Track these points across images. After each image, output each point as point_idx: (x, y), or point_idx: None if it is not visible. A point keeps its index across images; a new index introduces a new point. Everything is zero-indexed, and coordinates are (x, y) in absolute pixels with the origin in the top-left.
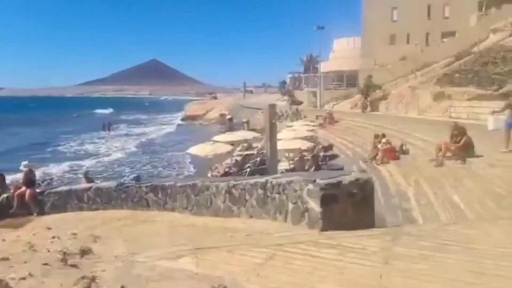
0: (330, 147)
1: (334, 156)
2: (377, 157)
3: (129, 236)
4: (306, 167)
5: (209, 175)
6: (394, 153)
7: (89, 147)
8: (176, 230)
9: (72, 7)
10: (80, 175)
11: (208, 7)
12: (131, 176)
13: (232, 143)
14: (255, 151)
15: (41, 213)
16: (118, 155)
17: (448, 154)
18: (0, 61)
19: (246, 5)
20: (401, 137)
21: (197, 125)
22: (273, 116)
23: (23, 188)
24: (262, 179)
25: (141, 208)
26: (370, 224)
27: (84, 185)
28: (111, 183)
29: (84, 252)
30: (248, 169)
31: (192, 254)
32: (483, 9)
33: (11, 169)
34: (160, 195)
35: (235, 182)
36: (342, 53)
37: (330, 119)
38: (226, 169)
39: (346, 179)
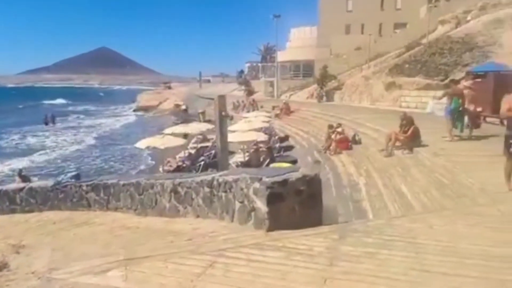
0: (286, 138)
1: (290, 147)
2: (331, 147)
3: (60, 243)
4: (261, 159)
5: (160, 169)
6: (347, 143)
7: (33, 141)
8: (114, 234)
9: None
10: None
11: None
12: (70, 174)
13: (185, 135)
14: (210, 143)
15: None
16: (66, 149)
17: (398, 144)
18: None
19: None
20: (354, 127)
21: (150, 117)
22: (223, 107)
23: None
24: (209, 177)
25: (82, 208)
26: (317, 221)
27: (15, 185)
28: (47, 182)
29: None
30: (202, 163)
31: (121, 267)
32: (433, 1)
33: None
34: (102, 194)
35: (180, 180)
36: (298, 42)
37: (286, 110)
38: (179, 163)
39: (293, 176)
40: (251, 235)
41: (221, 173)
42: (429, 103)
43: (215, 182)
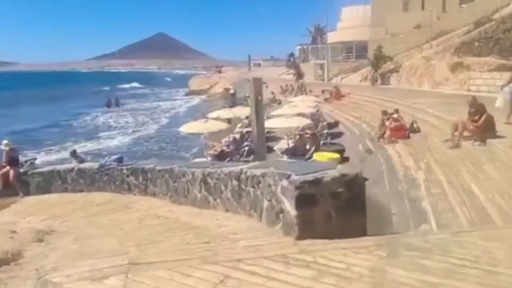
0: (335, 124)
1: (339, 134)
2: (385, 135)
3: (89, 231)
4: (307, 146)
5: (205, 153)
6: (403, 132)
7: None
8: (141, 224)
9: None
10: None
11: None
12: (113, 157)
13: (229, 120)
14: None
15: (27, 193)
16: (125, 131)
17: (466, 134)
18: (14, 36)
19: None
20: (412, 113)
21: (202, 100)
22: (259, 91)
23: (7, 168)
24: (237, 169)
25: (123, 192)
26: (360, 232)
27: (67, 165)
28: (94, 164)
29: (8, 259)
30: (247, 148)
31: (123, 273)
32: None
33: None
34: (140, 179)
35: (210, 170)
36: (350, 22)
37: (337, 94)
38: (224, 148)
39: (328, 174)
40: (277, 243)
41: (249, 165)
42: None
43: (242, 175)
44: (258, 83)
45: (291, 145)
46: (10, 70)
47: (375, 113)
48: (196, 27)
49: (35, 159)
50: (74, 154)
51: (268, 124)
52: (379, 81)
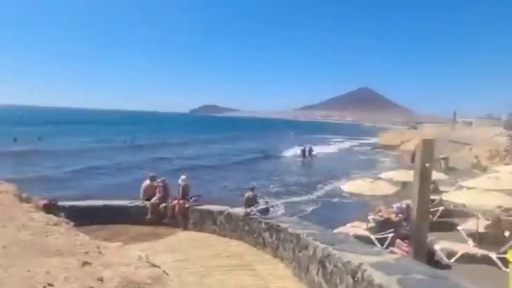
0: None
1: None
2: None
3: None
4: (506, 234)
5: (369, 218)
6: None
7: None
8: None
9: (289, 41)
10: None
11: (419, 29)
12: (260, 207)
13: (403, 184)
14: (439, 197)
15: (185, 228)
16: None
17: None
18: (238, 87)
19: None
20: None
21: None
22: (429, 156)
23: (176, 201)
24: (356, 262)
25: (259, 246)
26: None
27: (219, 207)
28: (240, 211)
29: None
30: None
31: None
32: None
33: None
34: (274, 237)
35: (330, 251)
36: None
37: None
38: (392, 214)
39: None
40: None
41: (373, 260)
42: None
43: (359, 274)
44: (428, 146)
45: (482, 228)
46: (233, 115)
47: None
48: (400, 81)
49: (200, 196)
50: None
51: (452, 197)
52: None
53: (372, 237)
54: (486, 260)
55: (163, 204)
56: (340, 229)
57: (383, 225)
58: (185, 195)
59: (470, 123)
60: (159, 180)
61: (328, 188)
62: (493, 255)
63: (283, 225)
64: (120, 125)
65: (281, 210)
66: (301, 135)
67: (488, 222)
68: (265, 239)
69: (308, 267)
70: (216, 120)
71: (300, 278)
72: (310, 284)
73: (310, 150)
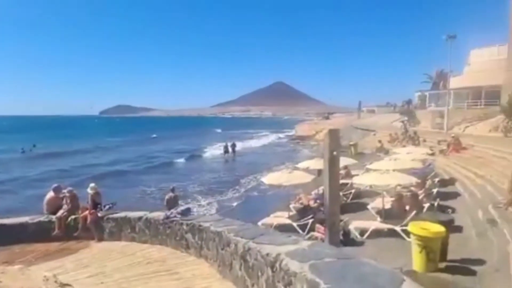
0: (451, 181)
1: (453, 195)
2: None
3: None
4: (407, 208)
5: (291, 206)
6: None
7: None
8: None
9: (204, 39)
10: None
11: (330, 28)
12: (180, 209)
13: (319, 172)
14: (352, 180)
15: (101, 238)
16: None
17: None
18: (153, 86)
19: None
20: None
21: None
22: (335, 144)
23: (87, 211)
24: (274, 253)
25: (182, 249)
26: None
27: (137, 213)
28: (160, 214)
29: None
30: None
31: None
32: None
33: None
34: (196, 238)
35: (251, 245)
36: (480, 65)
37: (456, 145)
38: (310, 201)
39: None
40: None
41: (288, 249)
42: None
43: (277, 265)
44: (334, 135)
45: (388, 205)
46: (150, 114)
47: (505, 172)
48: (311, 76)
49: (114, 203)
50: (173, 191)
51: (360, 180)
52: None
53: (294, 224)
54: (393, 233)
55: (73, 216)
56: (264, 221)
57: (303, 211)
58: (96, 204)
59: (373, 111)
60: (65, 190)
61: (251, 182)
62: (398, 228)
63: (204, 224)
64: (15, 133)
65: (205, 209)
66: (225, 131)
67: (392, 199)
68: (188, 240)
69: (231, 264)
70: (130, 120)
71: (225, 275)
72: (234, 280)
73: (233, 146)
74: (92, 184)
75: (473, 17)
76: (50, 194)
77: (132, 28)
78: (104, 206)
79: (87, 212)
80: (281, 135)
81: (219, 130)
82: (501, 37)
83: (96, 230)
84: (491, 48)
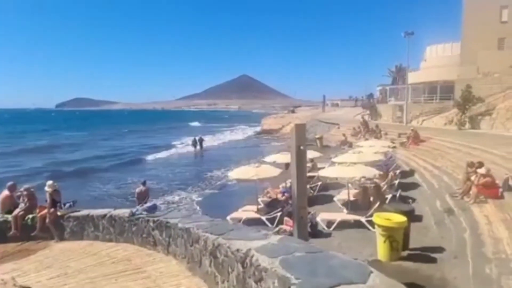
0: (410, 173)
1: (413, 186)
2: (470, 192)
3: None
4: (371, 199)
5: (259, 200)
6: (495, 190)
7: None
8: None
9: (167, 32)
10: None
11: (295, 23)
12: (146, 206)
13: (286, 165)
14: (318, 173)
15: (61, 238)
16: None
17: None
18: (114, 79)
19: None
20: (509, 166)
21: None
22: (301, 139)
23: (46, 210)
24: (244, 249)
25: (149, 246)
26: None
27: (101, 210)
28: (125, 211)
29: None
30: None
31: None
32: None
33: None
34: (164, 235)
35: (221, 241)
36: (435, 61)
37: (415, 138)
38: (278, 195)
39: None
40: None
41: (258, 244)
42: None
43: (247, 261)
44: (300, 130)
45: (353, 197)
46: (113, 108)
47: (459, 163)
48: (277, 69)
49: (75, 201)
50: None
51: (325, 173)
52: (467, 125)
53: (263, 218)
54: (358, 224)
55: (30, 216)
56: (233, 215)
57: (272, 205)
58: (55, 203)
59: (337, 105)
60: (22, 189)
61: (218, 176)
62: (363, 219)
63: (172, 221)
64: None
65: (172, 205)
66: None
67: (357, 191)
68: (155, 237)
69: (201, 260)
70: (91, 114)
71: (194, 272)
72: (203, 277)
73: (201, 140)
74: (49, 182)
75: (430, 15)
76: (5, 192)
77: (90, 18)
78: (64, 205)
79: (45, 211)
80: (249, 129)
81: (197, 124)
82: (453, 35)
83: (56, 230)
84: (446, 44)
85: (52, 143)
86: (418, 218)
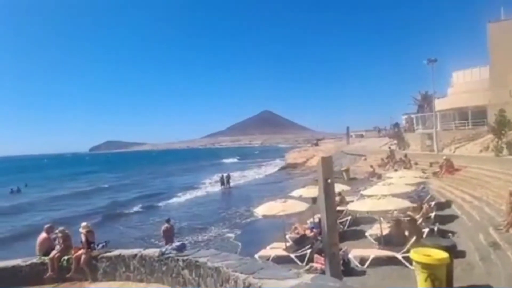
0: (447, 204)
1: (452, 218)
2: None
3: None
4: (406, 233)
5: (287, 236)
6: None
7: None
8: None
9: (188, 72)
10: None
11: (316, 58)
12: (174, 245)
13: (313, 200)
14: (347, 207)
15: (95, 279)
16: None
17: None
18: (141, 121)
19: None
20: None
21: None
22: (329, 172)
23: (81, 251)
24: None
25: (179, 286)
26: None
27: (131, 250)
28: (155, 251)
29: None
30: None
31: None
32: None
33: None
34: (194, 274)
35: (252, 280)
36: (464, 86)
37: (449, 167)
38: (307, 231)
39: None
40: None
41: (292, 284)
42: None
43: None
44: (327, 163)
45: (386, 231)
46: (141, 149)
47: (501, 192)
48: (297, 103)
49: (107, 241)
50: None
51: (355, 206)
52: (505, 151)
53: (292, 255)
54: (393, 261)
55: (66, 257)
56: (261, 253)
57: (300, 242)
58: (90, 243)
59: (362, 136)
60: (57, 230)
61: (245, 214)
62: (398, 255)
63: (201, 260)
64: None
65: (201, 244)
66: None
67: (390, 225)
68: (185, 277)
69: None
70: (121, 156)
71: None
72: None
73: (228, 177)
74: (84, 223)
75: (453, 40)
76: (43, 234)
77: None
78: (98, 245)
79: (80, 251)
80: (273, 164)
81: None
82: (478, 59)
83: (90, 270)
84: (473, 69)
85: (86, 188)
86: (461, 254)
